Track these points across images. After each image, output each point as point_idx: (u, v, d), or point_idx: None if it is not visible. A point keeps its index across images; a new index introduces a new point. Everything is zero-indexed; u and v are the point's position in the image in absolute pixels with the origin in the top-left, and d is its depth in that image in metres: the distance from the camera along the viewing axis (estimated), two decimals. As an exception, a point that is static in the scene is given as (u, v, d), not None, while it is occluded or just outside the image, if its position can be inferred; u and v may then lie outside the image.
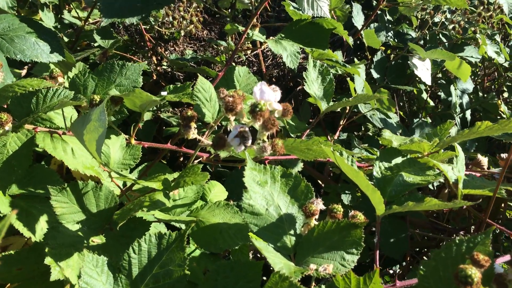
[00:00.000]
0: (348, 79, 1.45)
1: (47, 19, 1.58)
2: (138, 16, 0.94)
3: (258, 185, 0.65)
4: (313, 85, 1.05)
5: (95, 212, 0.88)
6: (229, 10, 1.66)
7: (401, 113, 1.82)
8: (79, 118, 0.74)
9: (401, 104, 1.94)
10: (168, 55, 1.57)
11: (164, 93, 0.82)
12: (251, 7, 1.64)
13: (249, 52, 1.53)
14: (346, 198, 1.20)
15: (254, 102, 0.55)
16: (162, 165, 1.27)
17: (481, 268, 0.49)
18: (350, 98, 0.99)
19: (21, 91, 0.74)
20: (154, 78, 1.56)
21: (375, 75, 1.67)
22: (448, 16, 1.88)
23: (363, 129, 1.72)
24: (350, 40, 1.27)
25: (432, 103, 1.96)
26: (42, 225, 0.96)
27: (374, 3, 1.95)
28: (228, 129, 0.60)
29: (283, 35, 1.20)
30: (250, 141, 0.56)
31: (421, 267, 0.55)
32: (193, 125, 0.62)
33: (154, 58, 1.56)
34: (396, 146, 0.83)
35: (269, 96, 0.56)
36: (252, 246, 1.02)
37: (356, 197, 1.21)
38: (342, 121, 1.52)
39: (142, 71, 0.88)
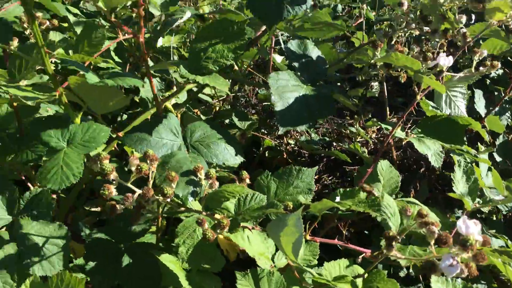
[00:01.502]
0: (473, 164, 1.50)
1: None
2: (306, 124, 1.10)
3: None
4: (459, 184, 1.12)
5: (269, 296, 1.01)
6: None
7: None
8: (275, 221, 0.88)
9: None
10: (298, 137, 1.73)
11: (338, 199, 0.96)
12: (377, 95, 1.78)
13: (373, 135, 1.65)
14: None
15: (463, 237, 0.65)
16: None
17: None
18: (499, 199, 1.05)
19: (230, 196, 0.91)
20: (284, 156, 1.72)
21: (498, 158, 1.70)
22: None
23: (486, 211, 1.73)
24: (487, 137, 1.34)
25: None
26: (213, 302, 1.11)
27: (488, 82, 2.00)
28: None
29: (420, 130, 1.31)
30: (459, 269, 0.65)
31: None
32: (395, 244, 0.73)
33: (285, 139, 1.73)
34: None
35: (473, 230, 0.66)
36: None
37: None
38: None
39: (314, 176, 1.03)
